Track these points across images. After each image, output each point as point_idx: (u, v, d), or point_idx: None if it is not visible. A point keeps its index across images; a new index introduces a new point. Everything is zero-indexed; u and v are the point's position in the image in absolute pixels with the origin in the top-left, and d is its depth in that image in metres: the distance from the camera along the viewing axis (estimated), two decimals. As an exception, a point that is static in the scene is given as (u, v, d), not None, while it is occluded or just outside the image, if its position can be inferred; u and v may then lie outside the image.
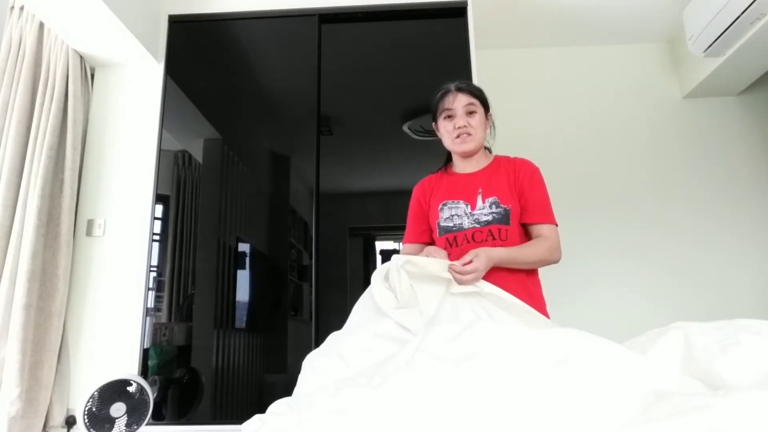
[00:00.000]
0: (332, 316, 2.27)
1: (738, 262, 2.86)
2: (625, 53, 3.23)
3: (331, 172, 2.43)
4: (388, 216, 2.44)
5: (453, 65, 2.48)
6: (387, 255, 2.39)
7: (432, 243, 1.56)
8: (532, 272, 1.47)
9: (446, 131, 1.53)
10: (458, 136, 1.49)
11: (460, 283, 1.27)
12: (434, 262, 1.31)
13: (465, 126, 1.48)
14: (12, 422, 2.00)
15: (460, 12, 2.56)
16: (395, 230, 2.44)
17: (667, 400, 0.69)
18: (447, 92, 1.52)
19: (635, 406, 0.69)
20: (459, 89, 1.50)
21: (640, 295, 2.85)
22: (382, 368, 0.93)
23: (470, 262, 1.27)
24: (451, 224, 1.47)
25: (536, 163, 1.56)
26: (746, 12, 2.33)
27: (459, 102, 1.49)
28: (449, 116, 1.51)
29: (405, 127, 2.46)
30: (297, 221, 2.42)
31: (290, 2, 2.60)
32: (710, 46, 2.62)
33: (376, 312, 1.23)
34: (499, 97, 2.99)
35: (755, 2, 2.27)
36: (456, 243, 1.45)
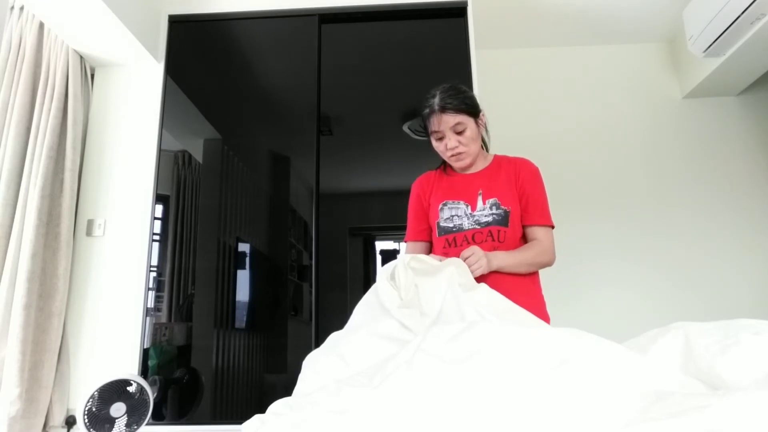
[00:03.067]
0: (332, 316, 2.27)
1: (738, 261, 2.86)
2: (625, 53, 3.23)
3: (331, 172, 2.42)
4: (388, 216, 2.44)
5: (453, 65, 2.48)
6: (387, 255, 2.39)
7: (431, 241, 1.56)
8: (532, 272, 1.47)
9: (439, 151, 1.51)
10: (452, 156, 1.48)
11: (473, 272, 1.32)
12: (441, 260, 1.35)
13: (456, 146, 1.45)
14: (12, 422, 2.00)
15: (460, 12, 2.56)
16: (395, 230, 2.44)
17: (667, 399, 0.69)
18: (431, 113, 1.44)
19: (635, 406, 0.69)
20: (443, 109, 1.42)
21: (640, 295, 2.85)
22: (383, 368, 0.93)
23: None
24: (451, 225, 1.47)
25: (536, 163, 1.55)
26: (746, 12, 2.33)
27: (445, 123, 1.43)
28: (439, 138, 1.47)
29: (405, 127, 2.46)
30: (297, 221, 2.42)
31: (290, 2, 2.60)
32: (710, 46, 2.62)
33: (378, 311, 1.23)
34: (499, 97, 3.02)
35: (755, 2, 2.27)
36: (455, 243, 1.45)
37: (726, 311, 2.68)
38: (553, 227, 1.48)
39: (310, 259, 2.34)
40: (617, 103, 3.15)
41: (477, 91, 2.38)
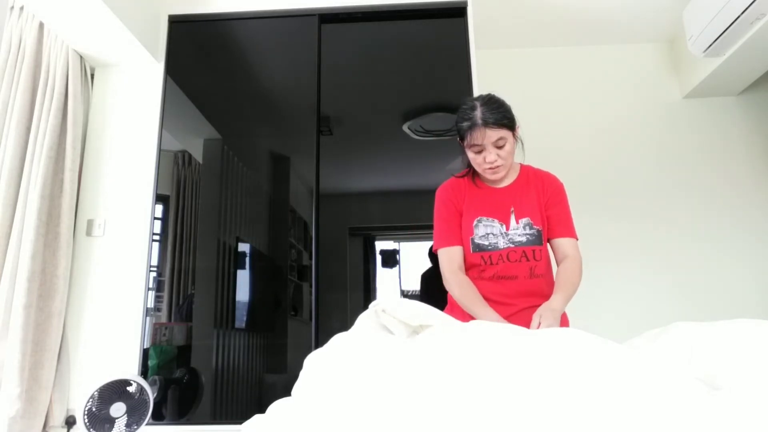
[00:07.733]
0: (332, 316, 2.27)
1: (737, 261, 2.86)
2: (625, 53, 3.23)
3: (331, 172, 2.43)
4: (388, 216, 2.44)
5: (453, 65, 2.48)
6: (387, 255, 2.38)
7: None
8: (550, 282, 1.51)
9: (476, 163, 1.48)
10: (489, 169, 1.46)
11: None
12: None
13: (495, 160, 1.44)
14: (12, 422, 2.00)
15: (460, 12, 2.56)
16: (395, 230, 2.43)
17: (667, 399, 0.69)
18: (474, 126, 1.41)
19: (635, 406, 0.69)
20: (486, 123, 1.39)
21: (640, 294, 2.85)
22: (384, 366, 0.93)
23: (539, 325, 1.28)
24: (486, 243, 1.49)
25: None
26: (746, 12, 2.33)
27: (488, 138, 1.41)
28: (479, 152, 1.45)
29: (405, 127, 2.46)
30: (297, 221, 2.42)
31: (290, 2, 2.60)
32: (710, 46, 2.62)
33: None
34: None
35: (755, 2, 2.27)
36: (491, 261, 1.48)
37: (726, 311, 2.68)
38: (577, 239, 1.52)
39: (310, 259, 2.34)
40: (617, 103, 3.15)
41: (477, 91, 2.38)
